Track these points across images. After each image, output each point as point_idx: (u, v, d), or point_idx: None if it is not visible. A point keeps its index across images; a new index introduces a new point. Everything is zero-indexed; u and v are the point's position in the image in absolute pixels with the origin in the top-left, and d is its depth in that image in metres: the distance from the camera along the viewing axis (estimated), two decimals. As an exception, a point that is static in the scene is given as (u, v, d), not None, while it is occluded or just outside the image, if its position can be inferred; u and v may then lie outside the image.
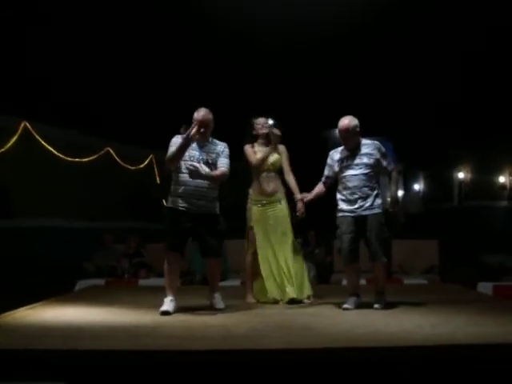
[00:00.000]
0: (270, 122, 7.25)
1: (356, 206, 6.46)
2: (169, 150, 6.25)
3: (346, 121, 6.49)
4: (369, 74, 13.58)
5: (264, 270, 7.00)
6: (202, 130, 6.19)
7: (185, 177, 6.22)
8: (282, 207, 7.08)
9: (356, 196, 6.46)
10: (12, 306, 6.29)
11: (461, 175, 17.87)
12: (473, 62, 13.05)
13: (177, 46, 12.72)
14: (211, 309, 6.37)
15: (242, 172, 7.31)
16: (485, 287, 8.97)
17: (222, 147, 6.41)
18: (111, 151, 14.04)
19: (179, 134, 6.35)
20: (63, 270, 10.33)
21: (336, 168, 6.62)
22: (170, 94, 13.82)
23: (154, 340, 4.69)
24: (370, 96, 13.68)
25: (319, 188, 6.78)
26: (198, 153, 6.27)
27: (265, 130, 7.13)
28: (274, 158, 7.08)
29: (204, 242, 6.31)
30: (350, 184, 6.50)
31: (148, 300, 7.14)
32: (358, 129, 6.51)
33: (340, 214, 6.59)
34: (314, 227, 7.61)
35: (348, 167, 6.54)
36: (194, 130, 6.07)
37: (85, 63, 12.17)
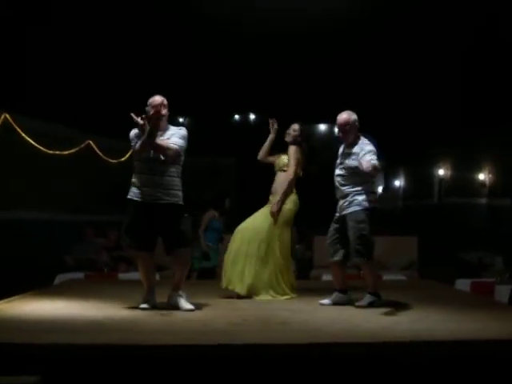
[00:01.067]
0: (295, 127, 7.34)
1: (339, 204, 6.55)
2: (134, 142, 6.11)
3: (345, 115, 6.54)
4: (351, 70, 13.60)
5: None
6: (164, 112, 6.09)
7: (142, 166, 6.04)
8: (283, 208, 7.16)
9: (339, 195, 6.55)
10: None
11: (441, 172, 17.92)
12: (454, 60, 13.11)
13: (161, 39, 12.66)
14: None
15: (225, 169, 7.38)
16: (463, 284, 9.07)
17: (178, 129, 6.22)
18: (92, 144, 13.96)
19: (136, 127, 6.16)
20: (43, 263, 10.27)
21: None
22: (152, 87, 13.76)
23: (132, 334, 4.69)
24: (353, 92, 13.70)
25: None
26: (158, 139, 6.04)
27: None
28: (282, 160, 7.27)
29: (170, 232, 6.06)
30: (335, 183, 6.61)
31: (127, 294, 7.12)
32: (357, 123, 6.56)
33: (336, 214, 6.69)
34: (295, 223, 7.65)
35: (337, 166, 6.64)
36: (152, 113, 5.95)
37: (67, 56, 12.09)
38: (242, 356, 4.21)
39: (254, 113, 18.51)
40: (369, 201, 6.44)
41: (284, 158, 7.25)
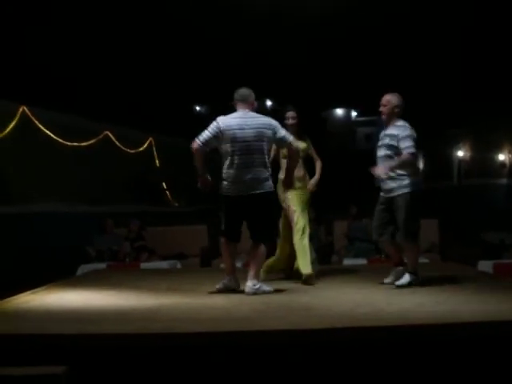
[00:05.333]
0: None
1: (385, 187, 6.68)
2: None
3: (389, 95, 6.74)
4: (367, 54, 13.54)
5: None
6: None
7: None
8: (305, 193, 7.29)
9: (384, 177, 6.63)
10: (15, 291, 6.31)
11: (460, 153, 17.83)
12: (471, 39, 13.00)
13: (175, 29, 12.65)
14: (212, 291, 6.38)
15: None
16: (485, 265, 9.01)
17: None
18: (110, 135, 14.01)
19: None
20: (65, 254, 10.35)
21: None
22: (167, 77, 13.77)
23: (156, 323, 4.70)
24: (370, 76, 13.65)
25: None
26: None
27: (291, 122, 7.26)
28: (302, 145, 7.24)
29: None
30: (379, 165, 6.70)
31: (150, 283, 7.17)
32: (397, 108, 6.69)
33: (380, 193, 6.85)
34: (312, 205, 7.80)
35: (378, 148, 6.78)
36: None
37: (82, 47, 12.12)
38: (267, 342, 4.22)
39: (271, 99, 18.49)
40: (414, 183, 6.57)
41: (306, 146, 7.35)
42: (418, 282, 6.52)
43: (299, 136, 7.26)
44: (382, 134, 6.80)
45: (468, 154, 17.70)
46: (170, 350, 4.18)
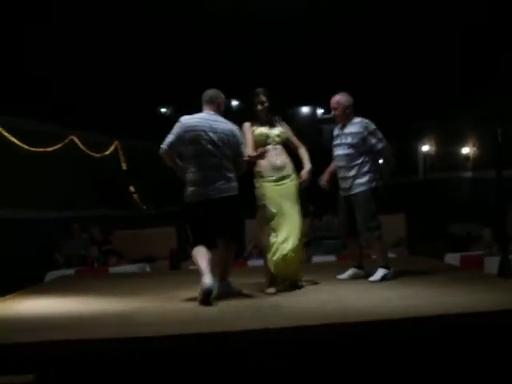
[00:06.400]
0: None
1: (345, 185, 6.72)
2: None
3: (338, 96, 6.77)
4: (332, 49, 13.58)
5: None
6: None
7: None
8: (292, 184, 6.47)
9: (344, 175, 6.71)
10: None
11: (425, 148, 17.98)
12: (432, 32, 13.11)
13: (137, 30, 12.58)
14: (182, 293, 6.34)
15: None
16: (452, 258, 9.14)
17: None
18: (75, 139, 13.90)
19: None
20: (32, 261, 10.24)
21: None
22: (131, 79, 13.69)
23: (126, 327, 4.68)
24: (334, 72, 13.68)
25: (331, 166, 6.99)
26: None
27: (260, 107, 6.62)
28: (277, 130, 6.58)
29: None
30: (338, 163, 6.77)
31: (119, 288, 7.14)
32: (347, 110, 6.73)
33: (339, 192, 6.87)
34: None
35: (337, 146, 6.81)
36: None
37: (43, 49, 11.98)
38: (236, 343, 4.22)
39: (237, 99, 18.47)
40: (373, 180, 6.65)
41: (282, 130, 6.61)
42: (391, 276, 6.61)
43: (270, 122, 6.58)
44: (338, 132, 6.83)
45: (433, 148, 17.85)
46: (139, 354, 4.17)
